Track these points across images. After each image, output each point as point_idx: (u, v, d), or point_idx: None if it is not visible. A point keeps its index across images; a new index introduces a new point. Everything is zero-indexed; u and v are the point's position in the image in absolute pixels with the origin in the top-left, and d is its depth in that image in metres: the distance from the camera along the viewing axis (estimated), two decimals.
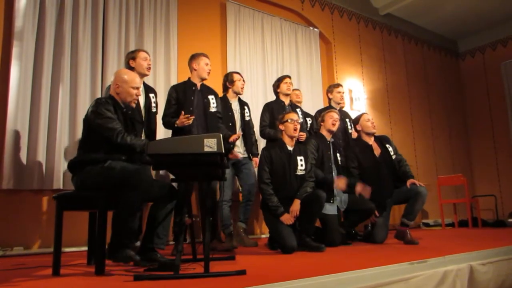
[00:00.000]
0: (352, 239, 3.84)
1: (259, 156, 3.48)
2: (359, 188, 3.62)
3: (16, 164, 3.50)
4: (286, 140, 3.38)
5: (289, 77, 4.20)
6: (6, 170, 3.44)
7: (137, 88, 2.59)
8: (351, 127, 4.40)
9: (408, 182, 3.68)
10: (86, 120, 2.46)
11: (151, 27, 4.54)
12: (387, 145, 3.89)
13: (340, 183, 3.54)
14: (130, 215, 2.23)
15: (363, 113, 4.00)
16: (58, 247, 2.22)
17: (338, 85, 4.55)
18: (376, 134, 3.98)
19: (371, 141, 3.90)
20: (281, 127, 3.40)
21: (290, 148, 3.36)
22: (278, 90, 4.14)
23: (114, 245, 2.22)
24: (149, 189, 2.31)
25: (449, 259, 2.36)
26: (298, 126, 3.40)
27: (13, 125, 3.52)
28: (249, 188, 3.77)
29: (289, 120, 3.36)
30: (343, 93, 4.49)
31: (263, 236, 4.87)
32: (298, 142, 3.51)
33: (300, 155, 3.35)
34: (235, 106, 3.86)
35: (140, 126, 3.12)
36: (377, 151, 3.85)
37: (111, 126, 2.36)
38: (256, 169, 4.39)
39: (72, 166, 2.42)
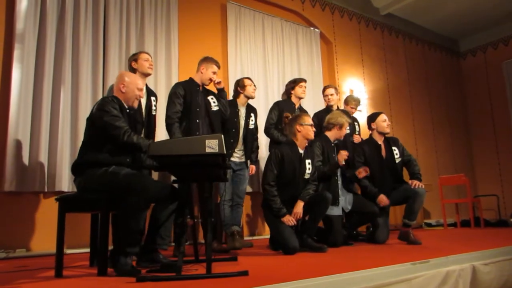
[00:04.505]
0: (354, 240, 3.85)
1: (269, 155, 3.38)
2: (361, 173, 3.63)
3: (18, 166, 3.50)
4: (299, 142, 3.32)
5: (305, 81, 4.18)
6: (8, 172, 3.45)
7: (141, 90, 2.64)
8: (348, 127, 4.37)
9: (410, 181, 3.71)
10: (90, 118, 2.46)
11: (152, 28, 4.55)
12: (394, 148, 3.89)
13: (340, 157, 3.51)
14: (134, 220, 2.23)
15: (381, 113, 3.98)
16: (61, 249, 2.23)
17: (326, 87, 4.53)
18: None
19: (380, 141, 3.90)
20: (299, 128, 3.31)
21: (301, 151, 3.32)
22: (292, 92, 4.12)
23: (116, 253, 2.22)
24: (153, 194, 2.31)
25: (452, 259, 2.36)
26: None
27: (15, 127, 3.52)
28: (239, 193, 3.82)
29: (308, 124, 3.32)
30: (330, 95, 4.42)
31: (261, 237, 4.86)
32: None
33: (308, 158, 3.33)
34: (242, 113, 3.88)
35: (140, 126, 3.14)
36: (383, 152, 3.87)
37: (118, 124, 2.36)
38: (255, 174, 4.43)
39: (75, 168, 2.41)
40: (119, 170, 2.33)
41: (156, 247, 2.49)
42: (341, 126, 3.66)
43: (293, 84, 4.15)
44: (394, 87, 7.27)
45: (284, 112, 3.91)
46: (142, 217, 2.29)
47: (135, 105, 2.64)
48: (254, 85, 3.96)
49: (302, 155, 3.31)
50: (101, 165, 2.35)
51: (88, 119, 2.49)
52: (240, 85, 3.91)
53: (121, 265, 2.18)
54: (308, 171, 3.29)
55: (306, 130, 3.30)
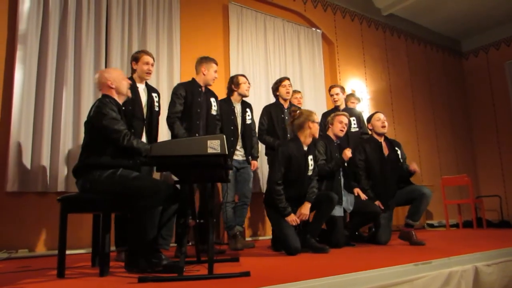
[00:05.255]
0: (356, 241, 3.84)
1: (274, 153, 3.32)
2: (347, 153, 3.57)
3: (20, 167, 3.51)
4: (305, 139, 3.29)
5: (288, 79, 4.11)
6: (11, 173, 3.46)
7: (127, 80, 2.64)
8: (356, 125, 4.39)
9: (411, 167, 3.75)
10: (89, 122, 2.45)
11: (154, 29, 4.56)
12: (396, 148, 3.91)
13: (345, 155, 3.55)
14: (149, 222, 2.25)
15: (376, 112, 4.00)
16: (63, 249, 2.23)
17: (331, 87, 4.52)
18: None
19: (381, 139, 3.91)
20: (311, 125, 3.27)
21: (305, 148, 3.30)
22: (277, 93, 4.08)
23: (135, 255, 2.24)
24: (165, 196, 2.32)
25: (454, 260, 2.35)
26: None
27: (18, 128, 3.53)
28: (245, 192, 3.80)
29: (318, 123, 3.32)
30: (336, 94, 4.40)
31: (263, 237, 4.86)
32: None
33: (310, 154, 3.32)
34: (238, 109, 3.86)
35: (141, 123, 3.13)
36: (385, 151, 3.87)
37: (117, 128, 2.35)
38: (259, 171, 4.41)
39: (77, 170, 2.41)
40: (128, 174, 2.34)
41: (158, 248, 2.49)
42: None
43: (276, 85, 4.10)
44: (396, 87, 7.26)
45: (272, 115, 3.92)
46: (156, 219, 2.30)
47: (129, 94, 2.64)
48: (249, 83, 3.92)
49: (306, 152, 3.30)
50: (105, 167, 2.35)
51: (86, 123, 2.47)
52: (234, 82, 3.86)
53: (142, 266, 2.20)
54: (310, 168, 3.28)
55: (315, 129, 3.30)
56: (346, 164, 3.69)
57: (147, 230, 2.25)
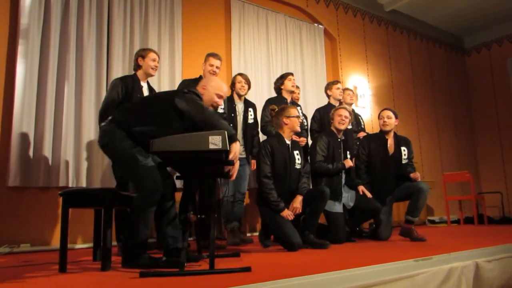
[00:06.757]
0: (357, 237, 3.85)
1: (258, 150, 3.40)
2: (348, 163, 3.64)
3: (22, 161, 3.52)
4: (286, 134, 3.33)
5: (292, 74, 4.20)
6: (13, 168, 3.47)
7: (221, 97, 2.56)
8: (352, 126, 4.40)
9: (412, 174, 3.75)
10: (167, 101, 2.36)
11: (156, 24, 4.55)
12: (403, 148, 3.88)
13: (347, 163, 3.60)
14: (141, 223, 2.24)
15: (383, 109, 3.98)
16: (64, 244, 2.23)
17: (337, 82, 4.54)
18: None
19: (389, 137, 3.90)
20: (286, 120, 3.31)
21: (288, 142, 3.33)
22: (282, 87, 4.12)
23: (129, 253, 2.24)
24: (160, 193, 2.30)
25: (455, 256, 2.35)
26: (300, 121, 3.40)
27: (19, 122, 3.54)
28: (241, 189, 3.83)
29: (294, 116, 3.34)
30: (342, 89, 4.46)
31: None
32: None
33: (296, 149, 3.36)
34: (240, 108, 3.90)
35: None
36: (391, 149, 3.86)
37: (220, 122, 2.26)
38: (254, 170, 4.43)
39: (114, 118, 2.35)
40: (139, 157, 2.27)
41: (170, 247, 2.47)
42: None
43: (281, 79, 4.16)
44: (398, 83, 7.24)
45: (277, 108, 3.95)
46: (150, 217, 2.29)
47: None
48: (246, 82, 3.93)
49: (290, 146, 3.32)
50: (132, 135, 2.29)
51: (158, 98, 2.44)
52: (232, 81, 3.99)
53: (141, 264, 2.20)
54: (298, 161, 3.31)
55: (292, 123, 3.31)
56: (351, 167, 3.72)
57: (139, 229, 2.24)
